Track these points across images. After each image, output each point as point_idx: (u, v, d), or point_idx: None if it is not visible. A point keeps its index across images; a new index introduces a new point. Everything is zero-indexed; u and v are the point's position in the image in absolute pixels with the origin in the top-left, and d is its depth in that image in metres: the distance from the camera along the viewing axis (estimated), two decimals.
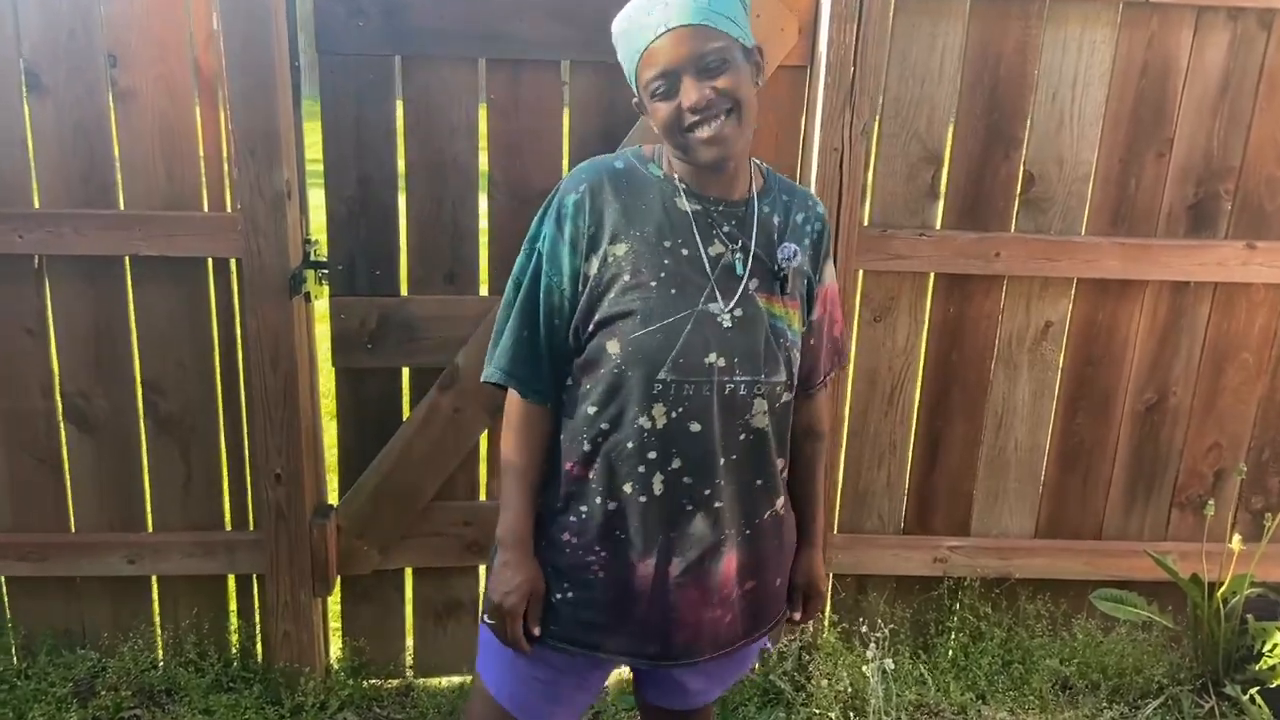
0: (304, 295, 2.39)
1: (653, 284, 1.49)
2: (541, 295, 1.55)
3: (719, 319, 1.50)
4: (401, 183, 2.39)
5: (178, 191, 2.34)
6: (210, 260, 2.39)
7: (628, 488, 1.52)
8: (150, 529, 2.55)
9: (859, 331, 2.59)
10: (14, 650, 2.57)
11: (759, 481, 1.57)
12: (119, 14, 2.23)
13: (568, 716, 1.69)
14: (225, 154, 2.31)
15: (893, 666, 2.49)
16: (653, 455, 1.50)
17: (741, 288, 1.52)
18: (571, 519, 1.56)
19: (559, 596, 1.58)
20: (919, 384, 2.65)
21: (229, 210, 2.35)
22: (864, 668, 2.48)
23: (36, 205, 2.32)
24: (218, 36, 2.20)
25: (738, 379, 1.50)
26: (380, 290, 2.43)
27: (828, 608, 2.76)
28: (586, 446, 1.54)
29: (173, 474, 2.53)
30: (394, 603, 2.67)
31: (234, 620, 2.64)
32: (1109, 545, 2.78)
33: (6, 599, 2.58)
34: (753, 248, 1.54)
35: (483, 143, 2.36)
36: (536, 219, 1.58)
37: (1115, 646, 2.74)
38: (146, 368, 2.46)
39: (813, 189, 2.38)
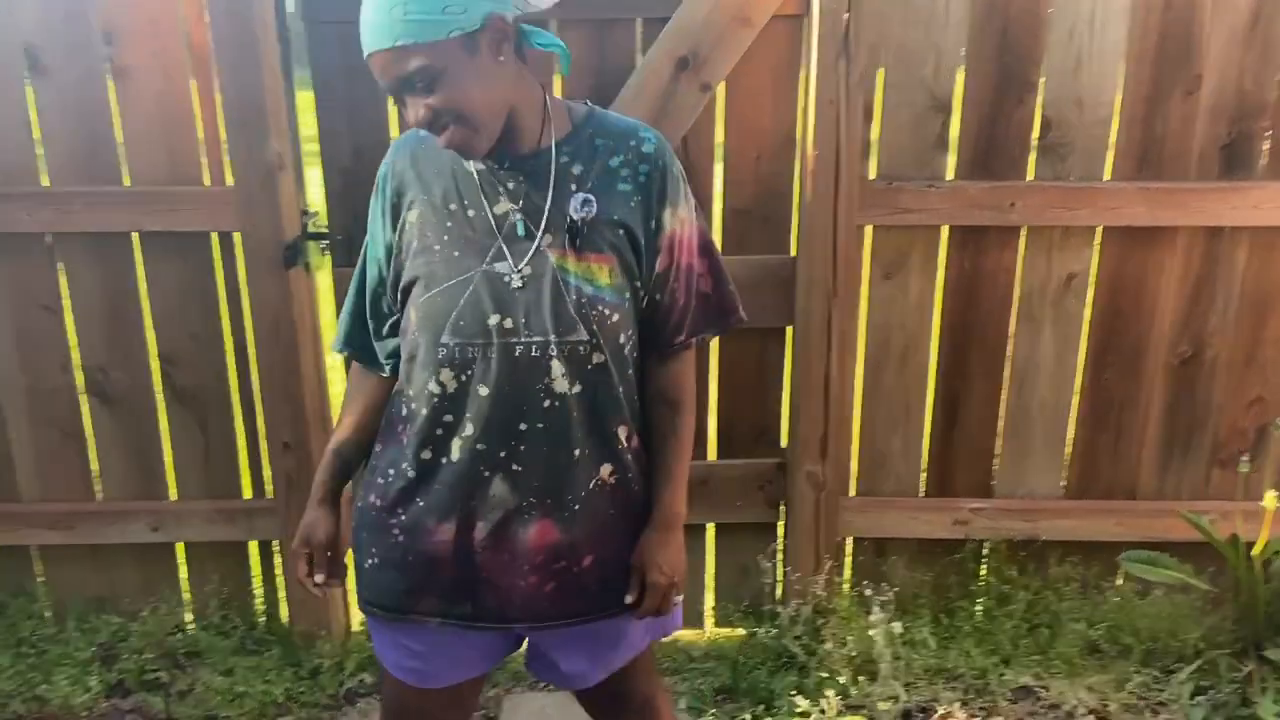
0: (304, 266, 2.41)
1: (436, 247, 1.47)
2: (366, 267, 1.59)
3: (506, 279, 1.45)
4: None
5: (179, 167, 2.38)
6: (214, 234, 2.43)
7: (426, 454, 1.50)
8: (173, 497, 2.63)
9: (869, 289, 2.51)
10: (43, 616, 2.67)
11: (576, 451, 1.50)
12: None
13: (455, 678, 1.64)
14: (221, 127, 2.34)
15: (900, 630, 2.43)
16: (447, 419, 1.48)
17: (534, 246, 1.47)
18: (379, 480, 1.56)
19: (369, 563, 1.58)
20: (935, 342, 2.57)
21: (228, 183, 2.37)
22: (870, 631, 2.43)
23: (44, 184, 2.38)
24: (205, 10, 2.21)
25: (525, 340, 1.45)
26: None
27: (846, 570, 2.71)
28: (392, 410, 1.55)
29: (192, 444, 2.59)
30: None
31: (257, 585, 2.70)
32: (1142, 505, 2.67)
33: (37, 567, 2.68)
34: (546, 203, 1.47)
35: None
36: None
37: (1149, 609, 2.64)
38: (161, 341, 2.51)
39: (810, 143, 2.30)
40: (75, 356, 2.53)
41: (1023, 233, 2.48)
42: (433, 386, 1.48)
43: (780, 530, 2.68)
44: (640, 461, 1.59)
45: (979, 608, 2.70)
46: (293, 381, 2.41)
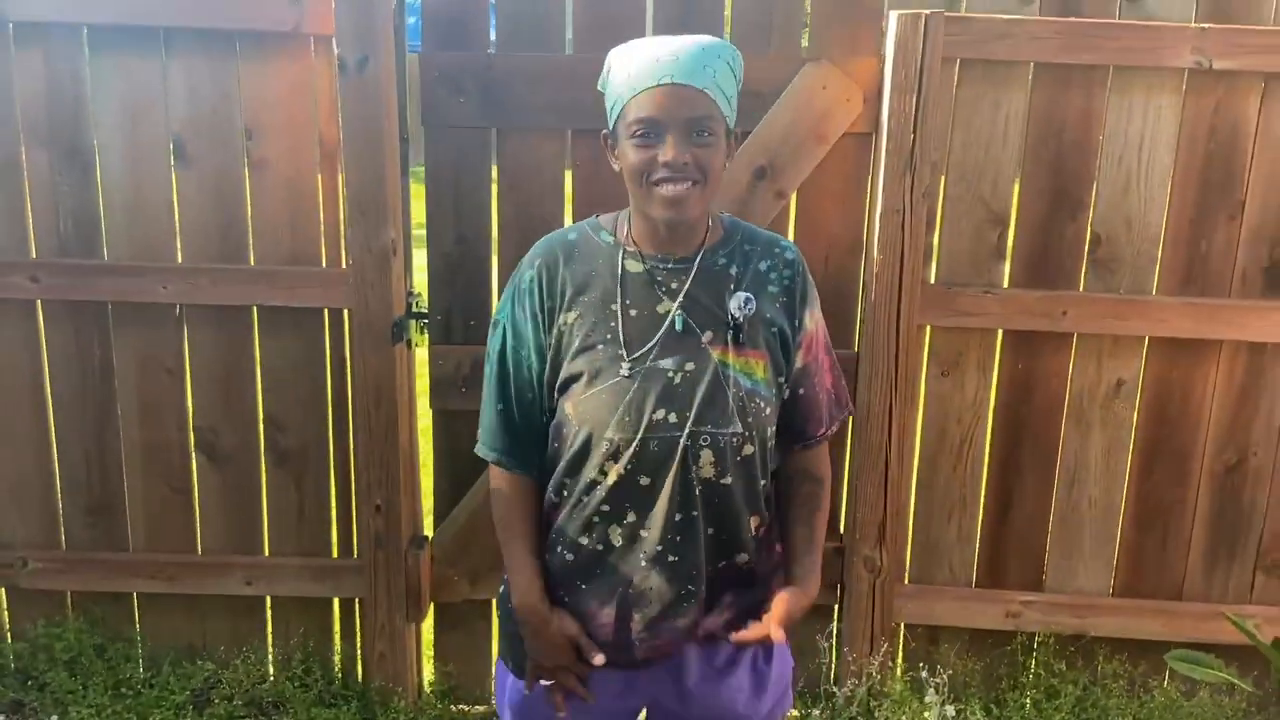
0: (406, 343, 2.63)
1: (600, 345, 1.57)
2: (511, 371, 1.64)
3: (669, 374, 1.56)
4: (495, 241, 2.62)
5: (300, 249, 2.62)
6: (326, 310, 2.66)
7: (584, 539, 1.62)
8: (267, 553, 2.81)
9: (927, 385, 2.68)
10: (140, 660, 2.84)
11: (721, 535, 1.61)
12: (255, 94, 2.53)
13: None
14: (341, 216, 2.59)
15: (953, 714, 2.53)
16: (606, 509, 1.59)
17: (695, 342, 1.58)
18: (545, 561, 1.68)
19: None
20: (989, 437, 2.71)
21: (343, 266, 2.61)
22: (925, 714, 2.53)
23: (179, 260, 2.63)
24: (338, 113, 2.48)
25: (689, 430, 1.55)
26: (474, 339, 2.65)
27: (899, 656, 2.81)
28: (553, 497, 1.65)
29: (288, 503, 2.78)
30: (482, 631, 2.85)
31: (337, 641, 2.86)
32: (1188, 607, 2.76)
33: (137, 614, 2.86)
34: (704, 300, 1.59)
35: (568, 205, 2.57)
36: (501, 299, 1.69)
37: (1195, 710, 2.71)
38: (268, 405, 2.73)
39: (875, 248, 2.50)
40: (190, 417, 2.75)
41: (1074, 339, 2.64)
42: (596, 476, 1.57)
43: (836, 613, 2.80)
44: (764, 548, 1.69)
45: (1028, 699, 2.78)
46: (389, 448, 2.60)
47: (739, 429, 1.58)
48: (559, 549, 1.65)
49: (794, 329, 1.66)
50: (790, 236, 2.61)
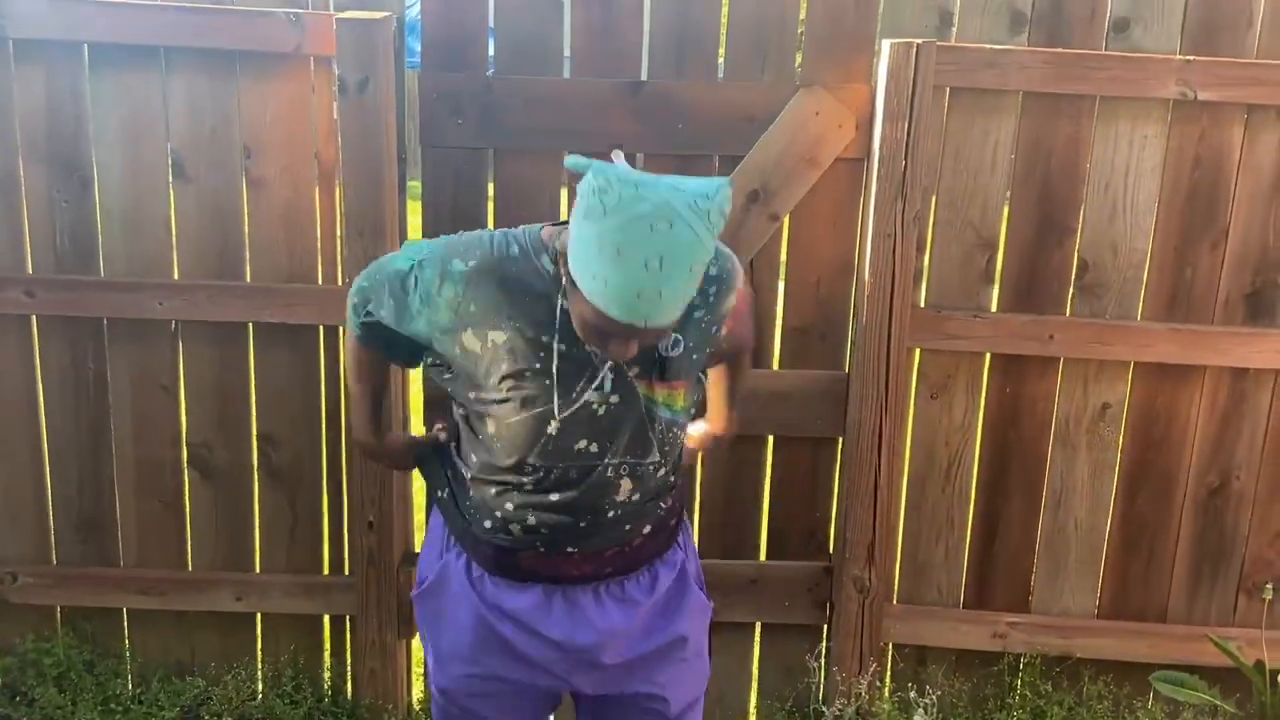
0: None
1: (528, 374, 1.63)
2: (389, 315, 1.76)
3: (594, 406, 1.65)
4: None
5: (297, 266, 2.64)
6: (321, 327, 2.67)
7: (487, 522, 1.76)
8: (258, 569, 2.81)
9: (916, 407, 2.71)
10: (130, 677, 2.84)
11: (618, 548, 1.77)
12: (254, 114, 2.56)
13: None
14: (338, 234, 2.61)
15: None
16: (509, 506, 1.73)
17: (618, 377, 1.65)
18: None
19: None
20: (976, 460, 2.75)
21: (339, 284, 2.63)
22: None
23: (176, 277, 2.65)
24: (337, 133, 2.51)
25: (607, 462, 1.68)
26: None
27: (887, 676, 2.83)
28: (466, 473, 1.78)
29: (280, 519, 2.79)
30: None
31: (327, 658, 2.87)
32: (1173, 629, 2.79)
33: (127, 629, 2.86)
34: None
35: None
36: (428, 246, 1.73)
37: None
38: (262, 422, 2.74)
39: (866, 271, 2.54)
40: (184, 433, 2.75)
41: (1061, 363, 2.68)
42: (514, 480, 1.70)
43: (825, 632, 2.82)
44: (673, 512, 1.87)
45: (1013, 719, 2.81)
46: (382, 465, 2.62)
47: (656, 458, 1.73)
48: (472, 511, 1.79)
49: (715, 334, 1.79)
50: (783, 259, 2.65)
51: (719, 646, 2.80)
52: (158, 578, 2.79)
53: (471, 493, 1.78)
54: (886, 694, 2.81)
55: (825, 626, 2.81)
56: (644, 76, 2.54)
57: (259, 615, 2.84)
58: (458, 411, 1.80)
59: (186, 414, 2.74)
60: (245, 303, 2.63)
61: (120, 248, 2.63)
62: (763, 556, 2.80)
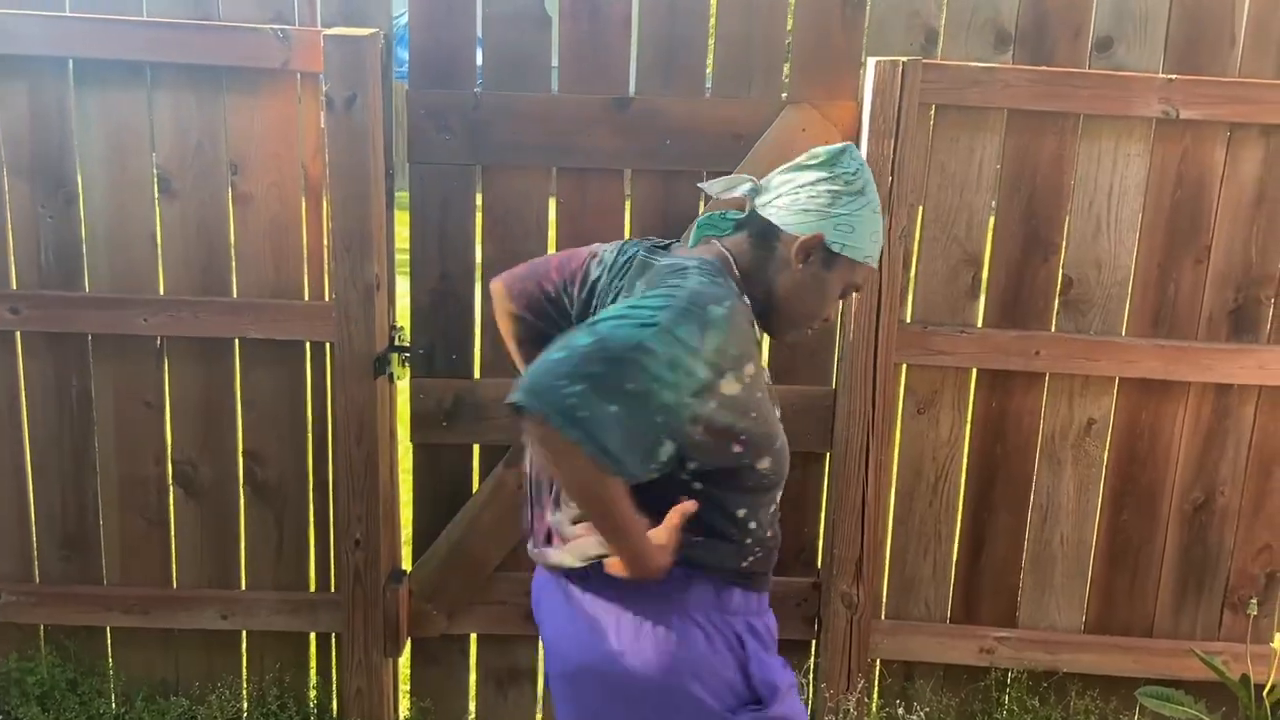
0: (388, 376, 2.64)
1: (769, 401, 1.74)
2: (669, 403, 1.53)
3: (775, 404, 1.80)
4: (479, 276, 2.64)
5: (283, 282, 2.63)
6: (308, 343, 2.66)
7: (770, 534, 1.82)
8: (244, 587, 2.79)
9: (903, 423, 2.72)
10: (113, 696, 2.81)
11: None
12: (241, 130, 2.55)
13: None
14: (325, 250, 2.60)
15: None
16: (769, 534, 1.81)
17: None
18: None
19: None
20: (964, 475, 2.76)
21: (326, 299, 2.62)
22: None
23: (161, 292, 2.63)
24: (324, 149, 2.50)
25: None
26: (456, 373, 2.66)
27: (875, 692, 2.83)
28: (759, 550, 1.77)
29: (266, 537, 2.77)
30: (459, 667, 2.85)
31: (313, 676, 2.85)
32: (1159, 643, 2.80)
33: (110, 648, 2.83)
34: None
35: (551, 243, 2.60)
36: (668, 315, 1.54)
37: None
38: (248, 439, 2.72)
39: None
40: (169, 450, 2.74)
41: (1046, 379, 2.69)
42: (774, 508, 1.82)
43: (813, 648, 2.81)
44: None
45: None
46: (370, 482, 2.61)
47: None
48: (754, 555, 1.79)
49: None
50: None
51: None
52: (142, 596, 2.76)
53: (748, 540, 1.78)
54: (874, 710, 2.81)
55: (813, 643, 2.81)
56: (631, 92, 2.55)
57: (244, 633, 2.82)
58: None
59: (171, 430, 2.72)
60: (231, 318, 2.62)
61: (105, 263, 2.62)
62: None
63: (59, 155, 2.57)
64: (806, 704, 2.81)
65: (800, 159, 1.76)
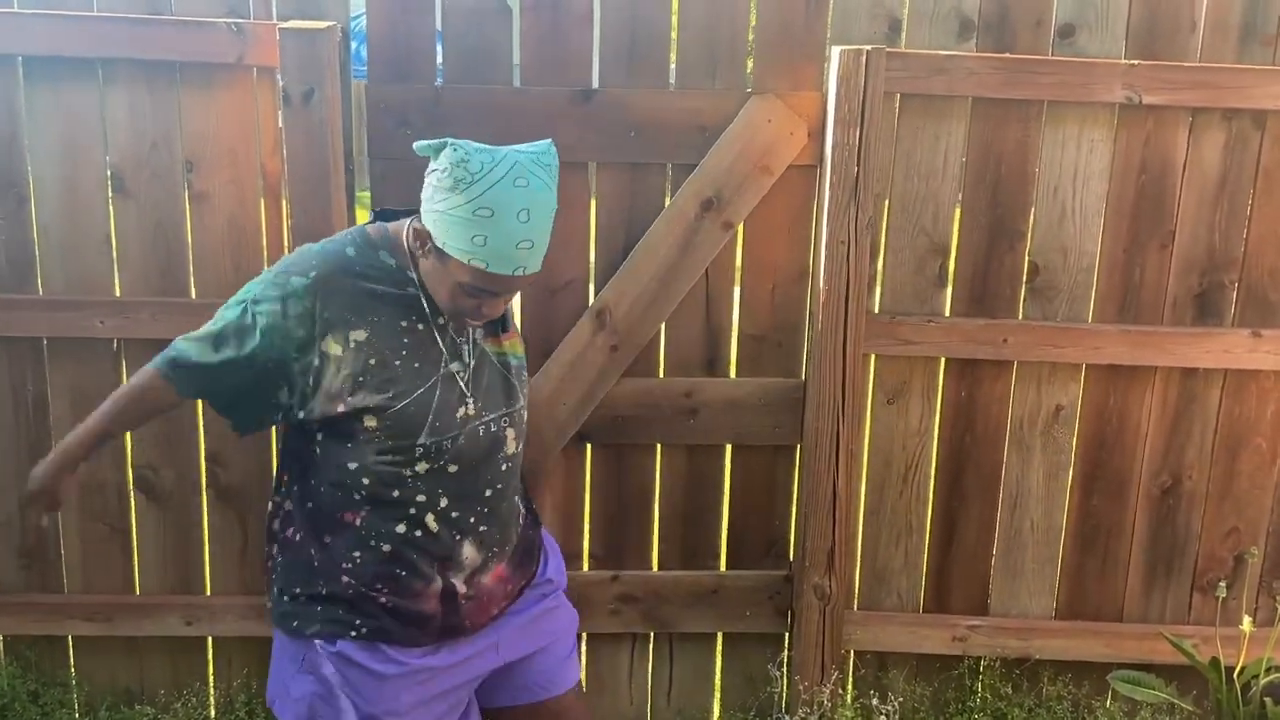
0: None
1: (397, 362, 1.75)
2: (256, 354, 1.78)
3: (459, 375, 1.80)
4: None
5: (243, 282, 2.52)
6: None
7: (400, 528, 1.80)
8: (208, 592, 2.75)
9: (872, 413, 2.71)
10: (76, 707, 2.76)
11: (514, 499, 1.93)
12: (197, 127, 2.50)
13: None
14: (285, 248, 2.56)
15: None
16: (420, 498, 1.79)
17: (470, 342, 1.84)
18: (344, 565, 1.81)
19: (353, 635, 1.81)
20: (934, 464, 2.75)
21: None
22: None
23: (117, 294, 2.58)
24: (282, 145, 2.46)
25: (486, 418, 1.81)
26: None
27: (849, 683, 2.83)
28: (356, 497, 1.79)
29: (231, 540, 2.73)
30: None
31: None
32: (1129, 628, 2.81)
33: (72, 657, 2.77)
34: None
35: None
36: (258, 284, 1.82)
37: None
38: (209, 441, 2.67)
39: (821, 278, 2.54)
40: (129, 455, 2.68)
41: (1014, 366, 2.69)
42: (405, 471, 1.77)
43: (786, 640, 2.80)
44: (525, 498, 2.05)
45: None
46: None
47: (522, 402, 1.90)
48: (371, 543, 1.80)
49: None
50: (738, 267, 2.64)
51: (680, 656, 2.80)
52: (104, 603, 2.71)
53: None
54: (849, 701, 2.81)
55: (786, 635, 2.80)
56: (595, 84, 2.52)
57: (210, 639, 2.78)
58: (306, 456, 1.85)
59: (131, 435, 2.67)
60: (190, 320, 2.51)
61: (59, 265, 2.56)
62: (723, 566, 2.79)
63: (9, 156, 2.50)
64: (781, 696, 2.80)
65: None
